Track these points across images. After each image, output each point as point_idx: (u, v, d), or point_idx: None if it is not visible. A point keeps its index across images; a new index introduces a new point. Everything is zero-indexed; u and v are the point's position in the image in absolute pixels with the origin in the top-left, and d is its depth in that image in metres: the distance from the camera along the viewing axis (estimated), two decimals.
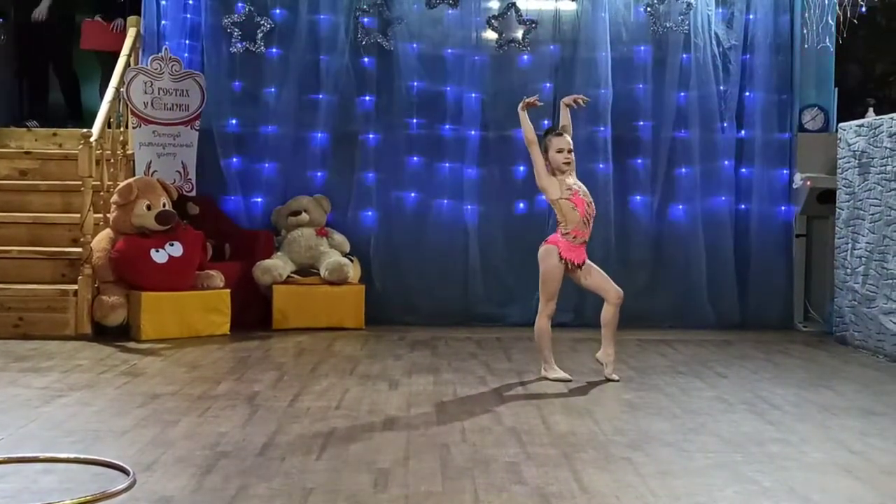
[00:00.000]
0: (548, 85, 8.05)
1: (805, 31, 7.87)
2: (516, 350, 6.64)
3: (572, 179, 5.50)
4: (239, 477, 3.57)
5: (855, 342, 6.95)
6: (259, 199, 8.08)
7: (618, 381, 5.52)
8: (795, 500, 3.43)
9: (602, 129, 7.98)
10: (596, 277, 5.56)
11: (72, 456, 3.79)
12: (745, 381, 5.65)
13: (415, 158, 8.10)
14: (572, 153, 5.49)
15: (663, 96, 8.07)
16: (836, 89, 8.21)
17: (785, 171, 8.11)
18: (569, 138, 5.51)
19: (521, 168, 7.95)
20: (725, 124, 8.08)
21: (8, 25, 9.06)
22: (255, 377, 5.53)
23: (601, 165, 7.95)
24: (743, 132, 8.15)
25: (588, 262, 5.56)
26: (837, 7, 7.58)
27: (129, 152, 7.82)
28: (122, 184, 7.17)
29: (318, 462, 3.80)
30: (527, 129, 5.48)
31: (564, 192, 5.44)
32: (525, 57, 8.09)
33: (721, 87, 8.07)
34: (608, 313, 5.57)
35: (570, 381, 5.48)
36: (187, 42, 8.08)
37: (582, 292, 7.86)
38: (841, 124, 7.44)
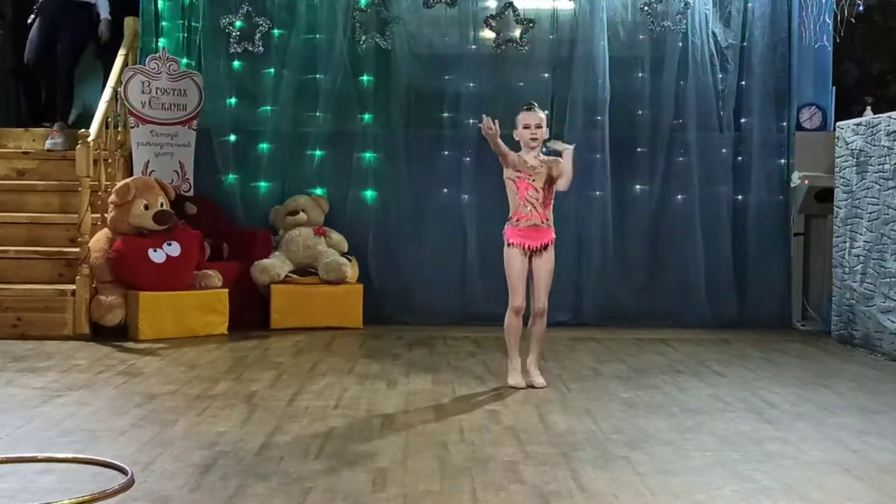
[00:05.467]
0: (546, 85, 8.05)
1: (803, 30, 7.89)
2: None
3: (533, 159, 5.27)
4: (237, 476, 3.57)
5: (853, 341, 6.95)
6: (257, 199, 8.08)
7: (544, 385, 5.32)
8: (793, 499, 3.43)
9: (599, 128, 7.98)
10: (538, 274, 5.29)
11: (70, 456, 3.79)
12: (743, 380, 5.65)
13: (413, 158, 8.09)
14: (540, 129, 5.28)
15: (661, 95, 8.07)
16: (834, 88, 8.21)
17: (783, 170, 8.11)
18: (540, 114, 5.31)
19: None
20: (723, 123, 8.08)
21: (6, 25, 9.05)
22: (254, 377, 5.53)
23: (598, 156, 7.95)
24: (741, 131, 8.16)
25: (547, 255, 5.28)
26: (835, 5, 7.59)
27: (127, 152, 7.82)
28: (119, 183, 7.16)
29: (317, 461, 3.80)
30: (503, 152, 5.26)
31: (512, 173, 5.27)
32: (523, 57, 8.08)
33: (719, 87, 8.07)
34: (535, 325, 5.34)
35: (521, 388, 5.26)
36: (185, 42, 8.08)
37: (580, 290, 7.95)
38: (839, 123, 7.44)
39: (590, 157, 7.91)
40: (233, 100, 8.11)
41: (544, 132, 5.35)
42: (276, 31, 8.04)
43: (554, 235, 5.36)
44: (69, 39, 8.18)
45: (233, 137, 8.08)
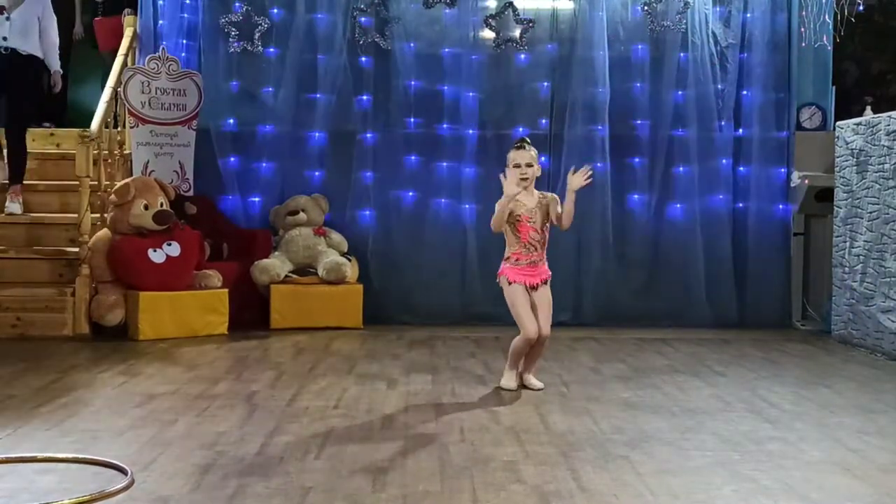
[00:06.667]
0: (545, 84, 8.08)
1: (802, 30, 7.89)
2: None
3: (529, 199, 5.16)
4: (237, 476, 3.57)
5: (853, 340, 6.96)
6: (257, 199, 8.09)
7: (542, 388, 5.26)
8: (793, 499, 3.42)
9: (600, 127, 8.00)
10: (541, 305, 5.19)
11: (70, 456, 3.78)
12: (743, 380, 5.65)
13: (412, 158, 8.10)
14: (531, 167, 5.15)
15: (661, 95, 8.09)
16: (834, 87, 8.22)
17: (783, 170, 8.13)
18: (531, 152, 5.16)
19: None
20: (723, 123, 8.10)
21: None
22: (254, 377, 5.52)
23: (599, 164, 7.95)
24: (740, 131, 8.17)
25: (545, 289, 5.21)
26: (835, 5, 7.59)
27: (127, 152, 7.83)
28: (119, 183, 7.17)
29: (317, 461, 3.80)
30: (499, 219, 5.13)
31: (512, 217, 5.15)
32: (523, 56, 8.10)
33: (719, 86, 8.09)
34: (536, 348, 5.23)
35: (513, 390, 5.22)
36: (184, 42, 8.09)
37: (580, 290, 7.95)
38: (839, 122, 7.44)
39: (590, 155, 7.91)
40: (233, 99, 8.12)
41: (535, 170, 5.20)
42: (275, 31, 8.05)
43: (549, 272, 5.28)
44: (14, 96, 7.47)
45: (232, 137, 8.07)
